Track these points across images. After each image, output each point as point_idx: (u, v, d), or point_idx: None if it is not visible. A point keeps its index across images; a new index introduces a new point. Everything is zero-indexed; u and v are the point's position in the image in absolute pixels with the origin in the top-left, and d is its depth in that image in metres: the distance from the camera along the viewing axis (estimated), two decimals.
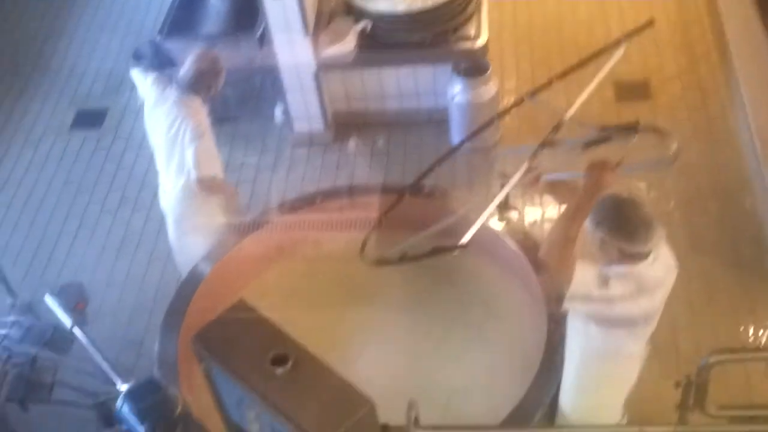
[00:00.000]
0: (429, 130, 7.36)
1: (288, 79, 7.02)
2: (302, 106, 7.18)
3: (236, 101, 7.87)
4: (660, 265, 3.91)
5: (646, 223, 3.76)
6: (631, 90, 7.41)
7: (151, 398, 3.72)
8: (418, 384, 5.02)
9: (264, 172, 7.23)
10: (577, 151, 3.81)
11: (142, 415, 3.68)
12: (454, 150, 4.41)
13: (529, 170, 3.87)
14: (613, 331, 3.97)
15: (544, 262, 3.84)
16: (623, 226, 3.76)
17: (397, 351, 5.30)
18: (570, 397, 4.40)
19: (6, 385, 4.54)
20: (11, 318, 5.34)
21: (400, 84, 7.25)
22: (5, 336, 5.12)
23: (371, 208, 5.52)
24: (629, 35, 4.25)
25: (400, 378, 5.07)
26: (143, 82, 5.67)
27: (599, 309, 3.79)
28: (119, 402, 3.82)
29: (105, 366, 4.27)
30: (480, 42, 6.74)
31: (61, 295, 4.73)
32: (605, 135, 3.79)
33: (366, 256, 3.91)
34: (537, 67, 7.76)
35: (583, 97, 4.11)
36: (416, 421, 3.25)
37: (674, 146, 3.58)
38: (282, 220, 5.73)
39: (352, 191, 5.98)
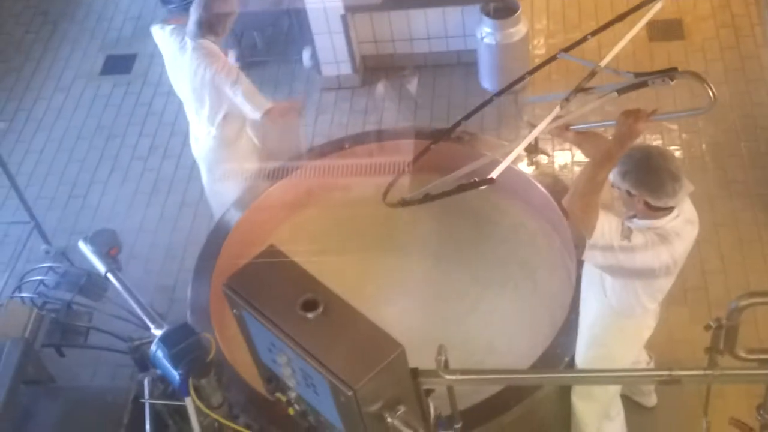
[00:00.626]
0: (458, 72, 7.32)
1: (316, 21, 6.98)
2: (330, 50, 7.15)
3: (264, 45, 7.86)
4: (681, 220, 3.86)
5: (674, 177, 3.70)
6: (664, 29, 7.30)
7: (184, 343, 3.79)
8: (447, 329, 5.05)
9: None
10: (611, 96, 3.73)
11: (176, 360, 3.75)
12: (485, 103, 4.30)
13: (558, 117, 3.80)
14: (631, 284, 3.95)
15: (568, 210, 3.78)
16: (650, 179, 3.70)
17: (426, 297, 5.32)
18: (582, 351, 4.41)
19: (42, 330, 4.62)
20: (46, 264, 5.43)
21: (429, 26, 7.19)
22: (40, 282, 5.21)
23: (400, 152, 5.53)
24: None
25: (428, 323, 5.10)
26: (162, 36, 5.62)
27: (620, 260, 3.76)
28: (153, 347, 3.90)
29: (139, 311, 4.33)
30: None
31: (94, 241, 4.79)
32: (641, 81, 3.70)
33: (389, 199, 3.87)
34: (568, 6, 7.66)
35: (618, 47, 3.99)
36: (446, 364, 3.27)
37: (711, 94, 3.51)
38: (311, 165, 5.73)
39: (380, 135, 5.96)
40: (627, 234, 3.69)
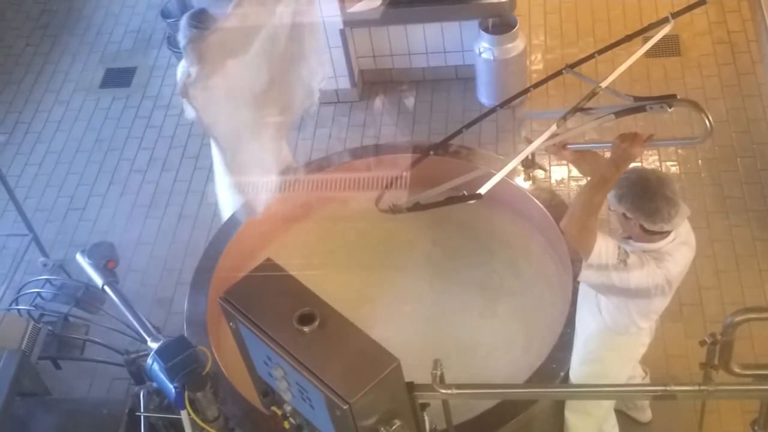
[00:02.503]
0: (456, 87, 7.34)
1: None
2: (329, 64, 7.16)
3: None
4: (677, 243, 3.86)
5: (670, 202, 3.68)
6: (660, 45, 7.28)
7: (180, 356, 3.80)
8: (443, 343, 5.06)
9: (290, 130, 7.24)
10: (608, 118, 3.73)
11: (172, 373, 3.76)
12: (487, 113, 4.31)
13: (555, 135, 3.80)
14: (625, 303, 3.95)
15: (565, 231, 3.80)
16: (646, 204, 3.69)
17: (422, 311, 5.33)
18: (576, 367, 4.42)
19: (39, 343, 4.63)
20: (43, 277, 5.44)
21: (427, 41, 7.22)
22: (38, 294, 5.22)
23: (398, 166, 5.53)
24: (678, 13, 4.24)
25: (424, 337, 5.11)
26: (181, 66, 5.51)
27: (615, 280, 3.75)
28: (150, 360, 3.90)
29: (135, 324, 4.33)
30: None
31: (92, 254, 4.80)
32: (639, 105, 3.68)
33: (381, 205, 3.86)
34: (565, 22, 7.70)
35: (621, 69, 4.06)
36: (441, 379, 3.28)
37: (708, 124, 3.52)
38: (308, 179, 5.75)
39: (378, 150, 5.98)
40: (623, 256, 3.69)
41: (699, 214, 6.05)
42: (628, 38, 4.07)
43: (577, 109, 3.77)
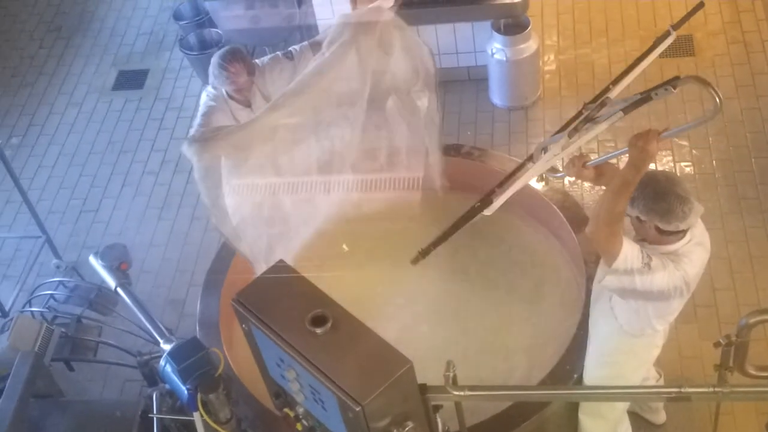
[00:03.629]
0: (468, 88, 7.33)
1: None
2: None
3: None
4: (693, 243, 3.84)
5: (682, 200, 3.67)
6: (674, 45, 7.29)
7: (193, 358, 3.80)
8: (456, 345, 5.04)
9: None
10: (617, 117, 3.72)
11: (185, 375, 3.76)
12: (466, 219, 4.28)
13: (565, 147, 3.83)
14: (643, 306, 3.93)
15: (592, 239, 3.77)
16: (659, 204, 3.68)
17: (435, 313, 5.32)
18: (591, 371, 4.40)
19: (52, 344, 4.63)
20: (57, 279, 5.46)
21: (439, 42, 7.20)
22: (51, 296, 5.23)
23: (410, 168, 5.53)
24: (679, 24, 4.21)
25: (438, 339, 5.10)
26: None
27: (637, 284, 3.74)
28: (162, 361, 3.91)
29: (148, 326, 4.34)
30: None
31: (104, 255, 4.81)
32: (645, 95, 3.67)
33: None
34: (578, 22, 7.68)
35: (629, 80, 4.08)
36: (454, 380, 3.27)
37: (717, 98, 3.49)
38: (320, 180, 5.73)
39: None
40: (647, 260, 3.68)
41: (713, 215, 6.02)
42: (638, 61, 4.13)
43: (588, 120, 3.78)
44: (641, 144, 3.49)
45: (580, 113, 3.91)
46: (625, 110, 3.71)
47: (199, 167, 4.58)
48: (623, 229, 3.64)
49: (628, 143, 3.56)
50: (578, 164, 3.98)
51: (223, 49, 5.02)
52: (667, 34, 4.15)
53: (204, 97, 5.08)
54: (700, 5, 4.36)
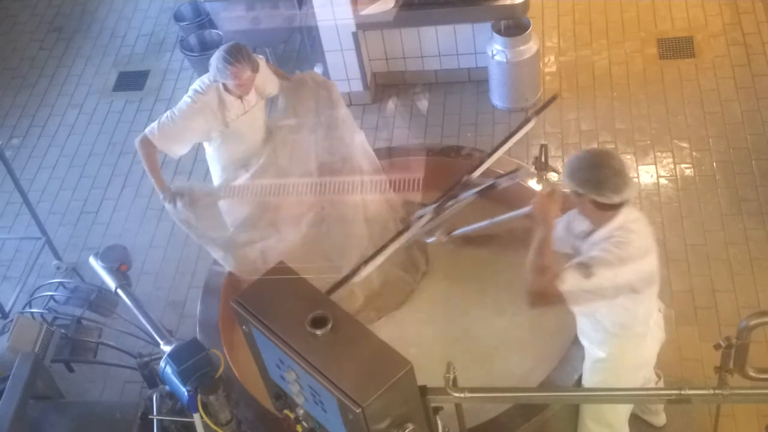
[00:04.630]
0: (468, 89, 7.34)
1: (327, 39, 7.01)
2: (341, 67, 7.17)
3: (276, 61, 7.89)
4: (632, 218, 3.89)
5: (617, 173, 3.74)
6: (674, 47, 7.32)
7: (193, 359, 3.80)
8: (456, 347, 5.03)
9: None
10: (472, 197, 4.62)
11: (185, 376, 3.76)
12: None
13: (433, 219, 4.62)
14: (617, 303, 3.94)
15: (538, 304, 3.92)
16: (594, 176, 3.76)
17: (434, 314, 5.31)
18: (587, 378, 4.39)
19: (52, 346, 4.63)
20: (57, 280, 5.46)
21: (440, 43, 7.21)
22: (51, 298, 5.24)
23: (410, 169, 5.53)
24: (538, 111, 4.96)
25: (437, 341, 5.08)
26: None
27: (596, 294, 3.80)
28: (162, 363, 3.91)
29: (148, 327, 4.34)
30: None
31: (104, 257, 4.81)
32: (492, 184, 4.62)
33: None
34: (579, 23, 7.68)
35: (489, 162, 4.89)
36: (454, 382, 3.27)
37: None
38: (321, 181, 5.73)
39: (391, 152, 5.97)
40: (585, 269, 3.75)
41: (713, 216, 6.02)
42: (501, 144, 5.00)
43: (451, 198, 4.70)
44: (538, 207, 3.89)
45: (458, 182, 4.79)
46: (480, 193, 4.64)
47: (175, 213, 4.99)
48: (554, 275, 3.77)
49: (531, 204, 3.94)
50: (442, 235, 4.61)
51: (228, 45, 5.06)
52: (527, 121, 4.92)
53: (192, 91, 5.15)
54: (553, 98, 5.30)
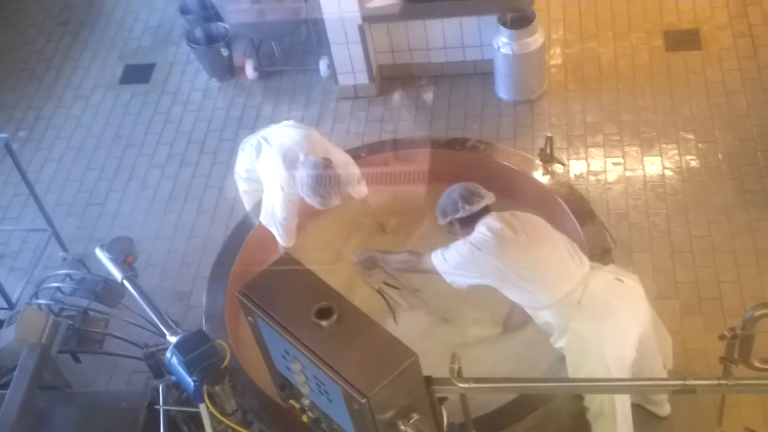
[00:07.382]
0: (474, 82, 7.34)
1: (333, 31, 7.01)
2: (347, 59, 7.18)
3: (281, 54, 7.90)
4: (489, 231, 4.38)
5: (463, 188, 4.51)
6: (681, 39, 7.31)
7: (199, 350, 3.80)
8: (459, 338, 5.04)
9: (309, 125, 7.25)
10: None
11: (191, 366, 3.76)
12: None
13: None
14: (507, 288, 4.40)
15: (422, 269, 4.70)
16: (447, 199, 4.53)
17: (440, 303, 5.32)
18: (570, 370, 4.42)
19: (59, 336, 4.65)
20: (63, 271, 5.47)
21: (445, 36, 7.21)
22: (57, 289, 5.25)
23: (416, 161, 5.54)
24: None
25: (440, 332, 5.09)
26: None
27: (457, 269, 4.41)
28: (168, 353, 3.91)
29: (154, 318, 4.34)
30: None
31: (111, 248, 4.81)
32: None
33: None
34: (585, 15, 7.67)
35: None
36: (459, 372, 3.28)
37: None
38: (327, 173, 5.74)
39: (396, 145, 5.97)
40: (443, 249, 4.47)
41: (719, 208, 6.02)
42: None
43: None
44: (362, 265, 5.16)
45: None
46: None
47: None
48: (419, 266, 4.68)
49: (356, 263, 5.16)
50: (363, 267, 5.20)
51: (315, 173, 4.96)
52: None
53: (280, 198, 5.15)
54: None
